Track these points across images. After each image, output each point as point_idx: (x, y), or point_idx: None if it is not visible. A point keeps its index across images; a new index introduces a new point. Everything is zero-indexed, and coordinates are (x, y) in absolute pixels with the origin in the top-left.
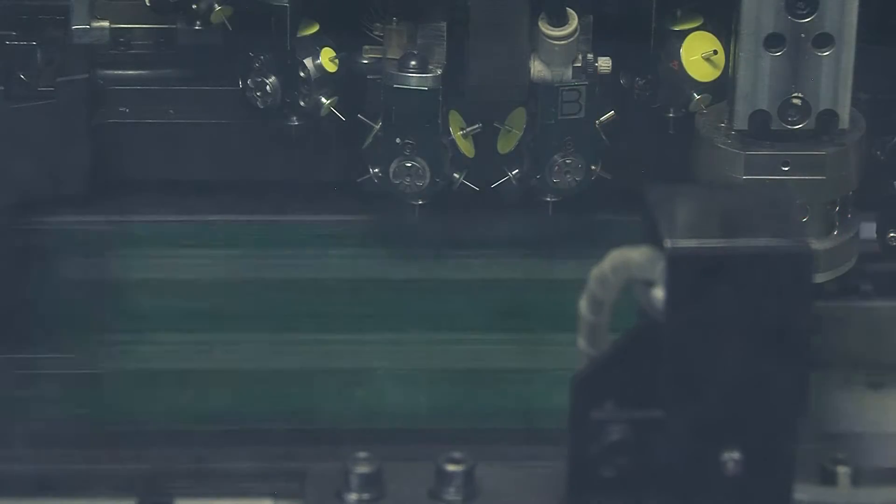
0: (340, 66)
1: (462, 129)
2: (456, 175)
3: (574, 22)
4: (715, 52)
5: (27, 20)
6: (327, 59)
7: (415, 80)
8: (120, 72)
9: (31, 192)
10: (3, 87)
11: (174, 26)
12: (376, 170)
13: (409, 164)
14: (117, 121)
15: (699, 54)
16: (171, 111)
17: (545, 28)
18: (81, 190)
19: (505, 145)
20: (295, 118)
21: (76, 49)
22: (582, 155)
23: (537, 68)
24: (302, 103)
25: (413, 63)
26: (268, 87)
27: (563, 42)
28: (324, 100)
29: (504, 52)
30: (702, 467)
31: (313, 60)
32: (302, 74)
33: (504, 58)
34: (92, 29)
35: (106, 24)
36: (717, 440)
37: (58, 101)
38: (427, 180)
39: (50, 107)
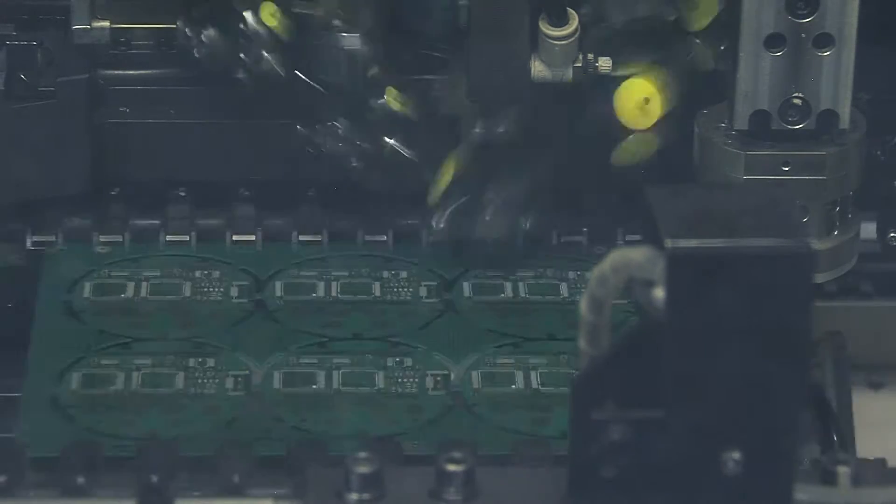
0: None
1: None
2: (387, 139)
3: (574, 22)
4: (647, 100)
5: (27, 20)
6: (267, 13)
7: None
8: (120, 72)
9: (32, 191)
10: (3, 87)
11: (174, 26)
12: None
13: (330, 125)
14: (117, 121)
15: (633, 102)
16: (172, 111)
17: (545, 28)
18: (81, 189)
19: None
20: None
21: (76, 49)
22: None
23: (538, 68)
24: (242, 55)
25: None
26: (203, 38)
27: (563, 42)
28: (265, 53)
29: (504, 52)
30: (702, 467)
31: (252, 12)
32: (242, 27)
33: (504, 58)
34: (92, 29)
35: (106, 24)
36: (717, 440)
37: (58, 101)
38: (349, 142)
39: (50, 107)
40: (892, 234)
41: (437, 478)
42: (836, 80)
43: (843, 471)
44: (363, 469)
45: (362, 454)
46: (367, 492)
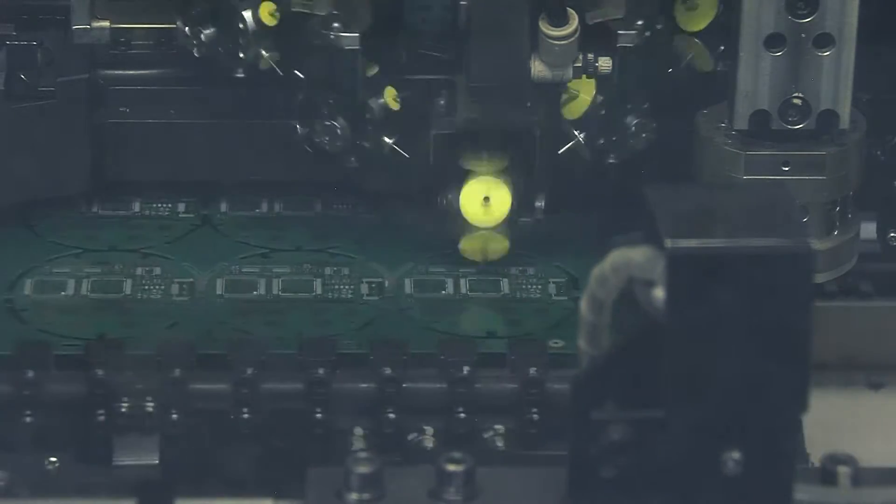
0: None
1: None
2: (386, 139)
3: (574, 22)
4: (487, 199)
5: (27, 20)
6: (266, 12)
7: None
8: (120, 72)
9: (32, 191)
10: (3, 87)
11: (174, 26)
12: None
13: (329, 124)
14: (117, 121)
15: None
16: (172, 111)
17: (546, 28)
18: (81, 189)
19: (574, 111)
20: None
21: (76, 49)
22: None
23: (538, 68)
24: (241, 55)
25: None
26: (202, 37)
27: (563, 42)
28: (263, 52)
29: (504, 52)
30: (702, 467)
31: (251, 12)
32: (241, 26)
33: (504, 58)
34: (92, 29)
35: (106, 24)
36: (718, 440)
37: (58, 101)
38: (347, 141)
39: (50, 107)
40: (892, 234)
41: (437, 478)
42: (836, 80)
43: (843, 471)
44: (363, 469)
45: (362, 454)
46: (367, 492)
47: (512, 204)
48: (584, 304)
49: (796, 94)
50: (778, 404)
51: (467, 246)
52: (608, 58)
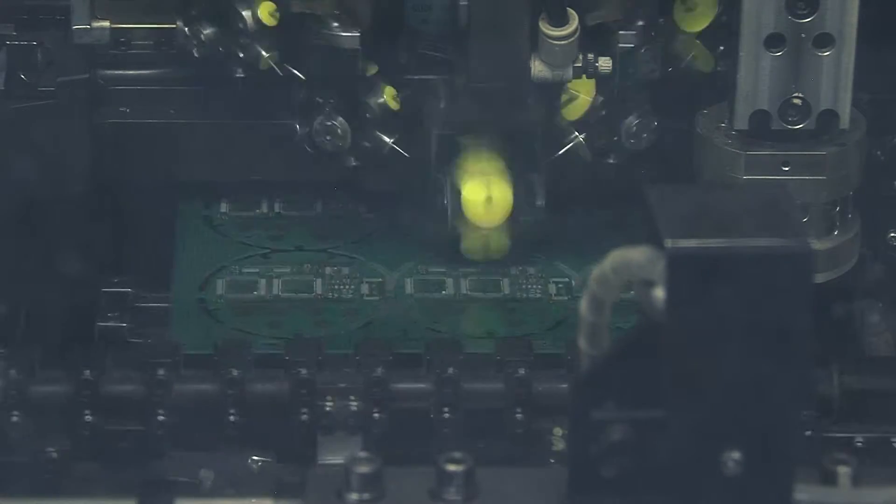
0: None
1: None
2: (385, 138)
3: (574, 22)
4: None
5: (27, 20)
6: (266, 12)
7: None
8: (120, 72)
9: (31, 191)
10: (3, 87)
11: (174, 26)
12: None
13: (329, 124)
14: (117, 121)
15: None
16: (172, 111)
17: (545, 28)
18: (81, 189)
19: (574, 112)
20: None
21: (76, 49)
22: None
23: (538, 68)
24: (241, 54)
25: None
26: (202, 36)
27: (563, 42)
28: (263, 52)
29: (504, 52)
30: (702, 467)
31: (251, 12)
32: (241, 25)
33: (504, 58)
34: (92, 29)
35: (106, 24)
36: (718, 440)
37: (58, 101)
38: (347, 140)
39: (50, 107)
40: (892, 234)
41: (437, 478)
42: (836, 80)
43: (844, 471)
44: (363, 469)
45: (362, 454)
46: (367, 492)
47: (513, 202)
48: (584, 304)
49: (796, 94)
50: (778, 404)
51: (469, 245)
52: (608, 58)
